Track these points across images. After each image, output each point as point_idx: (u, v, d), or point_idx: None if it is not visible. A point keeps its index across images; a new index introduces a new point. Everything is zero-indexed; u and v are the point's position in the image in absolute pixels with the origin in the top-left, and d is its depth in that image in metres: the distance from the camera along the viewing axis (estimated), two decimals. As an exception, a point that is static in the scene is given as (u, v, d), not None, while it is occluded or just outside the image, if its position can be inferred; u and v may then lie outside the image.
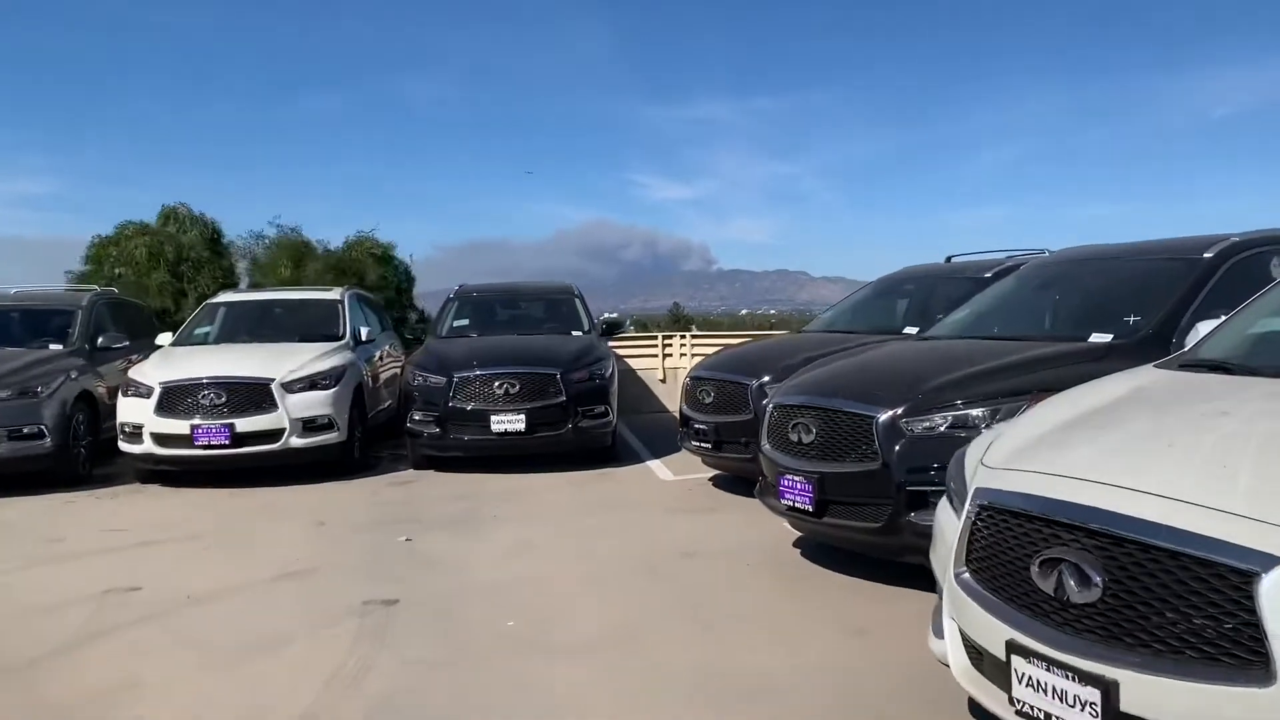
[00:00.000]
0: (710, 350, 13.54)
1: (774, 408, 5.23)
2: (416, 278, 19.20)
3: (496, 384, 8.42)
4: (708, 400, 7.34)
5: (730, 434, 7.06)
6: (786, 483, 4.90)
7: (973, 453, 3.06)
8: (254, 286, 15.64)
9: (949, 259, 8.88)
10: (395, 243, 18.53)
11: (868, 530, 4.58)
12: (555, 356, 8.82)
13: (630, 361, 13.20)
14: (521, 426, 8.34)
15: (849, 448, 4.67)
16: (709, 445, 7.25)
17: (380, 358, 10.25)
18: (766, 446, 5.22)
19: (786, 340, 8.53)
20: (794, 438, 4.95)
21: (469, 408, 8.41)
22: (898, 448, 4.44)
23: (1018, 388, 4.37)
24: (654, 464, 9.00)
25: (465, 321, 10.28)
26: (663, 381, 13.38)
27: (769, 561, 5.43)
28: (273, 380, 8.20)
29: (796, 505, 4.86)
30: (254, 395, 8.17)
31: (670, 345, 13.56)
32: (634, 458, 9.35)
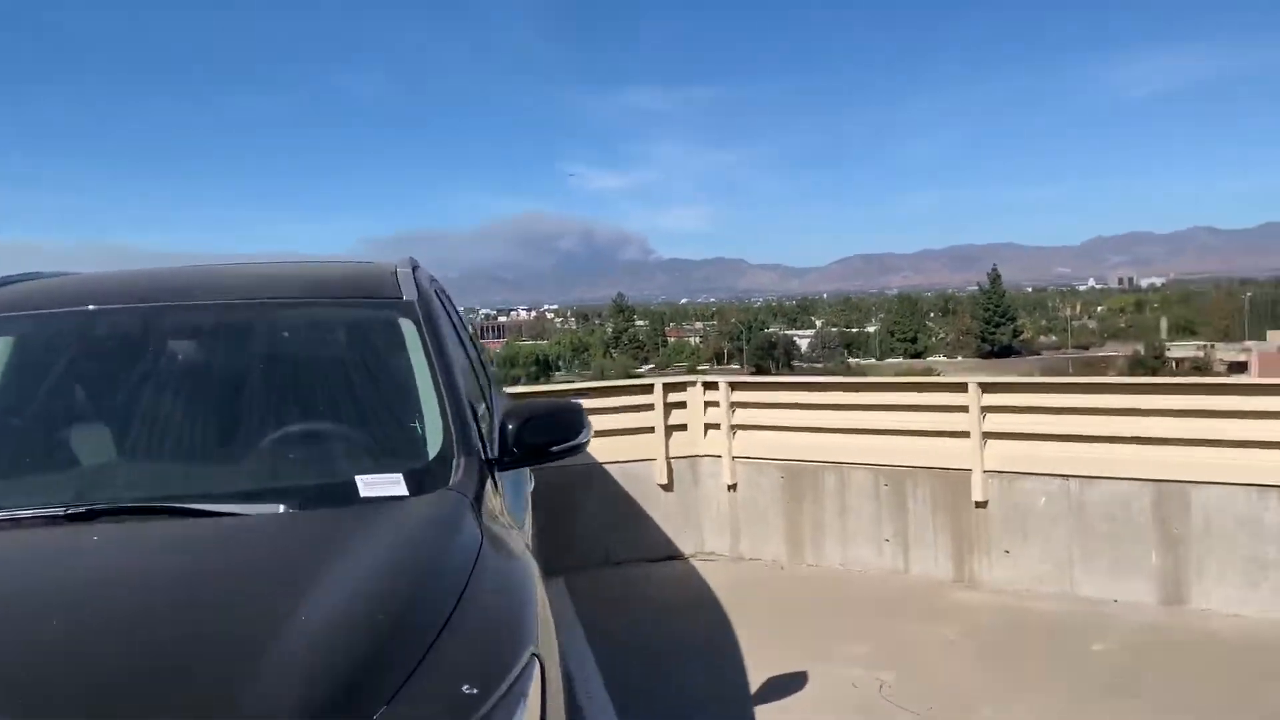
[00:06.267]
0: (770, 412, 5.67)
1: None
2: None
3: None
4: None
5: None
6: None
7: None
8: None
9: None
10: None
11: None
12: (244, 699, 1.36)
13: (593, 445, 5.80)
14: None
15: None
16: None
17: None
18: None
19: None
20: None
21: None
22: None
23: None
24: None
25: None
26: (666, 489, 5.97)
27: None
28: None
29: None
30: None
31: (683, 403, 5.95)
32: None
